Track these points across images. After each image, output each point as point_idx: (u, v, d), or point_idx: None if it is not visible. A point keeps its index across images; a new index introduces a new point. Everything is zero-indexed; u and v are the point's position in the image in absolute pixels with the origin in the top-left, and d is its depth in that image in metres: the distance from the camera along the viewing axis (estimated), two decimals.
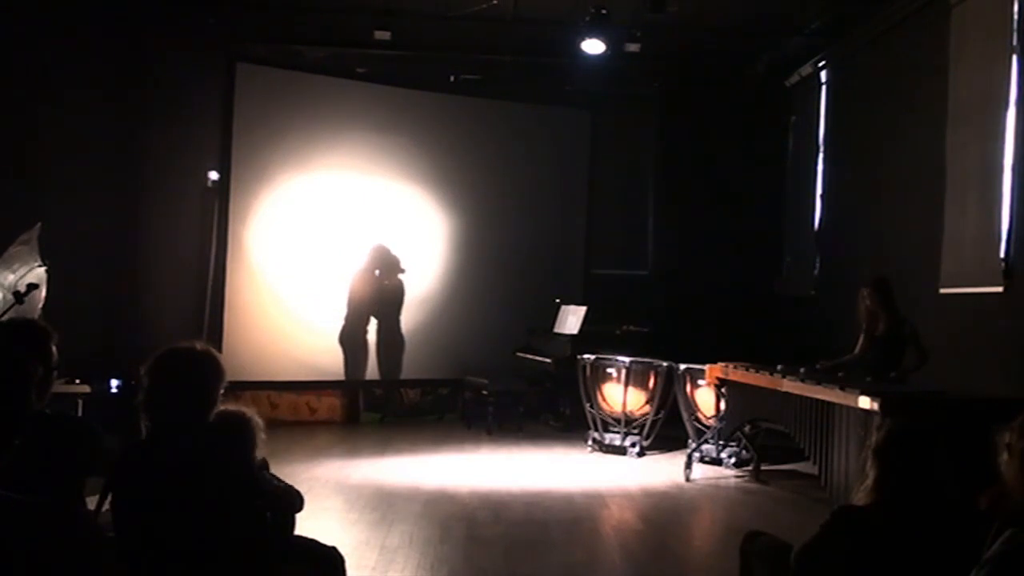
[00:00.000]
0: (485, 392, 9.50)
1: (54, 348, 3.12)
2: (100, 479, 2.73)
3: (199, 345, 2.85)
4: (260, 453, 3.29)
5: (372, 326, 9.97)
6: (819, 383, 5.74)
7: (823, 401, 5.66)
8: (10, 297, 5.45)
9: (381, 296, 9.96)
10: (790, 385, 6.09)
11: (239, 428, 3.20)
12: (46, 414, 2.91)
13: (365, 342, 9.92)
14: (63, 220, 7.36)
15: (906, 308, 6.50)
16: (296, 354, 9.58)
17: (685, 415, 8.10)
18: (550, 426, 9.85)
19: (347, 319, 9.84)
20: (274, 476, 3.34)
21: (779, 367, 6.44)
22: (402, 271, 9.99)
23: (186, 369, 2.78)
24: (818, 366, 6.32)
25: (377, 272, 9.94)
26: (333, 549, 3.39)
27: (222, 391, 2.83)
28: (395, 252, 10.05)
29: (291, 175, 9.63)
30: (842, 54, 9.95)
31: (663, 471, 7.71)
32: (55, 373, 3.14)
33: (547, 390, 10.07)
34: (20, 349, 2.95)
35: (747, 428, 7.45)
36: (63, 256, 6.51)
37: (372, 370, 10.02)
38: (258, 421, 3.30)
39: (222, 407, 2.92)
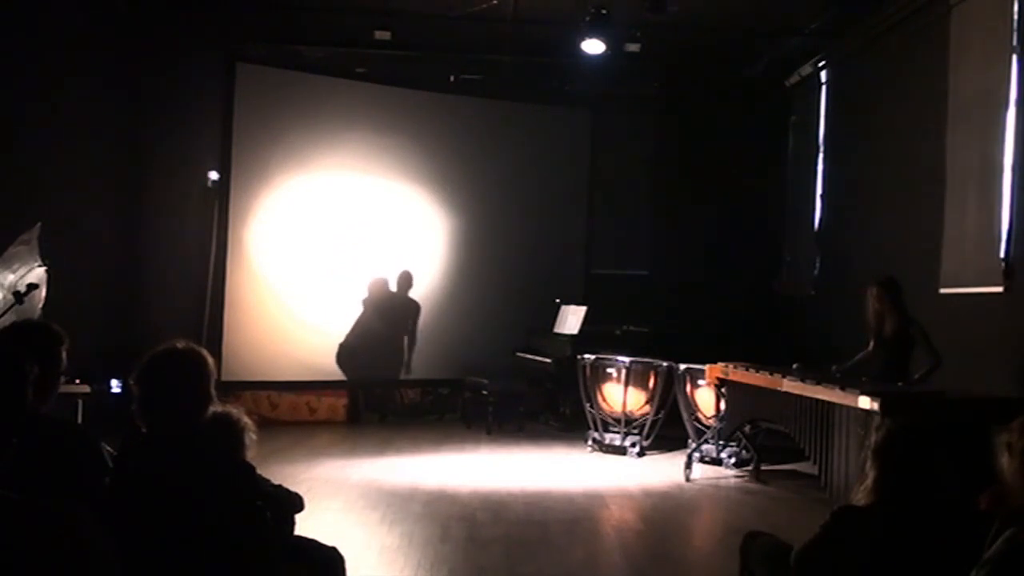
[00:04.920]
0: (485, 392, 9.49)
1: (63, 353, 3.11)
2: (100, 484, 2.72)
3: (180, 344, 2.82)
4: (249, 454, 3.16)
5: (381, 332, 10.06)
6: (819, 383, 5.74)
7: (823, 401, 5.66)
8: (10, 297, 5.44)
9: (401, 308, 10.14)
10: (790, 385, 6.08)
11: (230, 427, 3.17)
12: (47, 418, 2.90)
13: (369, 346, 9.95)
14: (63, 220, 7.35)
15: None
16: (296, 354, 9.58)
17: (685, 415, 8.09)
18: (550, 426, 9.84)
19: (360, 323, 9.92)
20: (267, 481, 3.31)
21: (795, 365, 6.48)
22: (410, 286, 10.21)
23: (174, 370, 2.76)
24: (833, 368, 6.29)
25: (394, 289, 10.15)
26: (333, 549, 3.39)
27: (213, 385, 2.81)
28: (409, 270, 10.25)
29: (291, 175, 9.64)
30: (842, 54, 9.94)
31: (663, 471, 7.71)
32: (61, 377, 3.13)
33: (547, 390, 10.07)
34: (18, 349, 2.94)
35: (747, 428, 7.45)
36: (63, 256, 6.49)
37: (372, 370, 10.03)
38: (248, 422, 3.21)
39: (214, 408, 2.89)
